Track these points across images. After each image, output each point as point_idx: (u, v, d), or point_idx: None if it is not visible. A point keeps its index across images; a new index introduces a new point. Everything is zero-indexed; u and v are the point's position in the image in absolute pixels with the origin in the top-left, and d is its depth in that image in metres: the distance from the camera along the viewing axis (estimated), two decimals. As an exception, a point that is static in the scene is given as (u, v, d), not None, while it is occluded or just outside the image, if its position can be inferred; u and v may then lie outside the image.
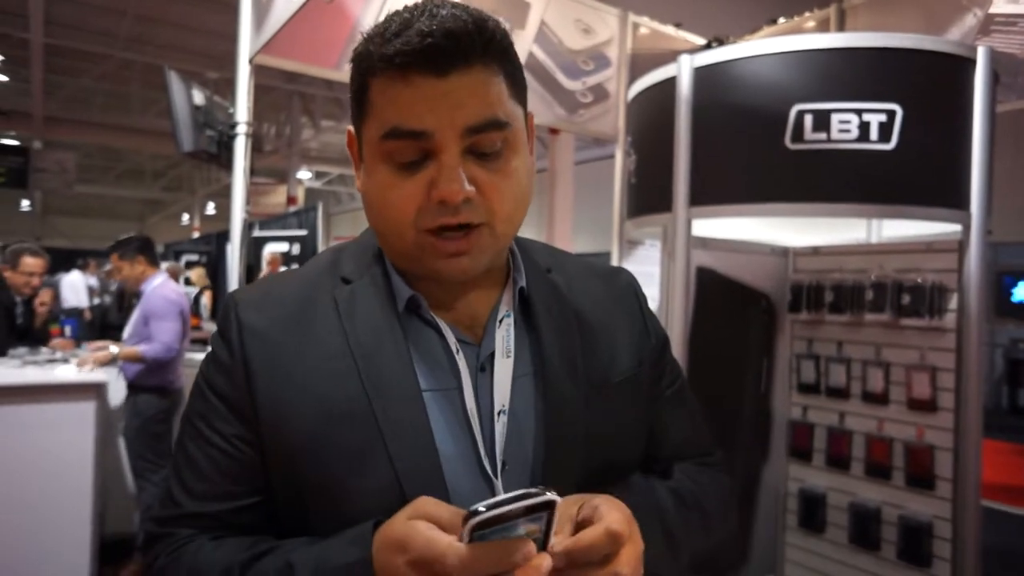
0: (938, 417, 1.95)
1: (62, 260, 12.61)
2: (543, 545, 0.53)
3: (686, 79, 1.99)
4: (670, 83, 2.03)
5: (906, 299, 1.99)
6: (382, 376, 0.65)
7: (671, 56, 2.07)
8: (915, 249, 2.03)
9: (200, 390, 0.70)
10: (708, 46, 3.82)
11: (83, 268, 11.51)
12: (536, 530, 0.52)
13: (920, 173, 1.81)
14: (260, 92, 2.85)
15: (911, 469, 2.00)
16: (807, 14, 4.06)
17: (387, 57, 0.61)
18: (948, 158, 1.85)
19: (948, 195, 1.85)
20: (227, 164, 2.79)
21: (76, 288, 10.90)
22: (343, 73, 2.98)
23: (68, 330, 4.40)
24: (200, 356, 3.79)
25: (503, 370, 0.69)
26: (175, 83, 2.68)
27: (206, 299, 7.41)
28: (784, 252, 2.36)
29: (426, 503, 0.56)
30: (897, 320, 2.01)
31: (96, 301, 10.80)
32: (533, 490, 0.50)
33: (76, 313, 10.01)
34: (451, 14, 0.61)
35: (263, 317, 0.69)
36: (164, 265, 7.99)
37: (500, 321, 0.71)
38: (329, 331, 0.68)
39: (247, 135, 2.71)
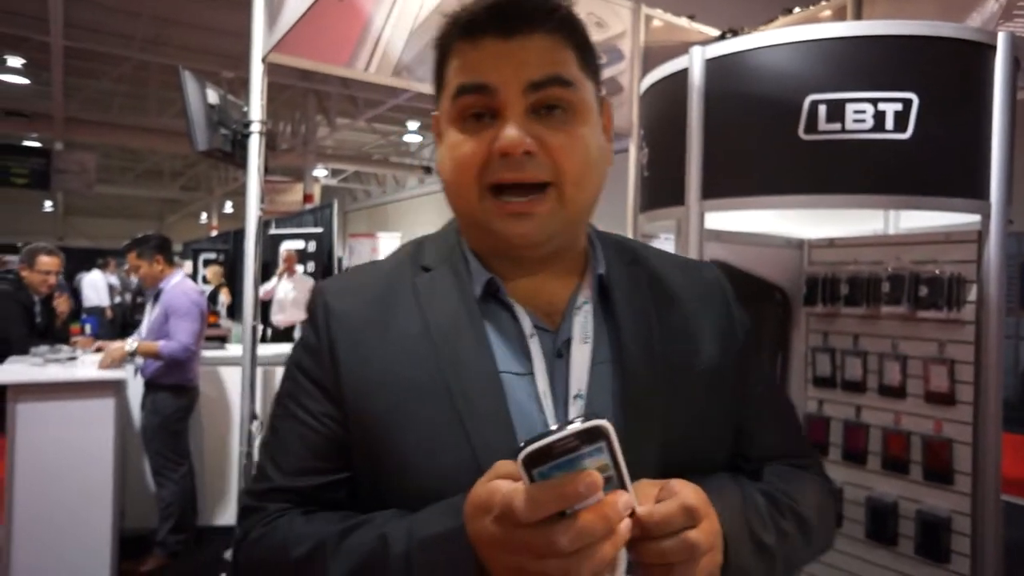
0: (956, 411, 1.92)
1: (83, 259, 12.83)
2: (619, 482, 0.51)
3: (698, 71, 1.97)
4: (682, 75, 2.02)
5: (924, 291, 1.96)
6: (459, 358, 0.68)
7: (684, 49, 2.05)
8: (933, 240, 2.00)
9: (290, 372, 0.74)
10: (722, 37, 3.78)
11: (103, 267, 11.68)
12: (604, 464, 0.50)
13: (937, 163, 1.78)
14: (275, 90, 2.87)
15: (929, 463, 1.97)
16: (823, 3, 4.01)
17: (460, 26, 0.67)
18: (966, 147, 1.81)
19: (966, 185, 1.82)
20: (241, 162, 2.81)
21: (97, 287, 11.08)
22: (355, 70, 2.99)
23: (88, 328, 4.47)
24: (215, 353, 3.85)
25: (580, 356, 0.70)
26: (190, 83, 2.71)
27: (224, 296, 7.48)
28: (799, 244, 2.33)
29: (503, 464, 0.56)
30: (914, 312, 1.98)
31: (117, 300, 10.96)
32: (579, 417, 0.49)
33: (98, 312, 10.16)
34: None
35: (347, 303, 0.73)
36: (186, 264, 8.10)
37: (579, 308, 0.72)
38: (408, 315, 0.71)
39: (261, 133, 2.73)
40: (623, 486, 0.52)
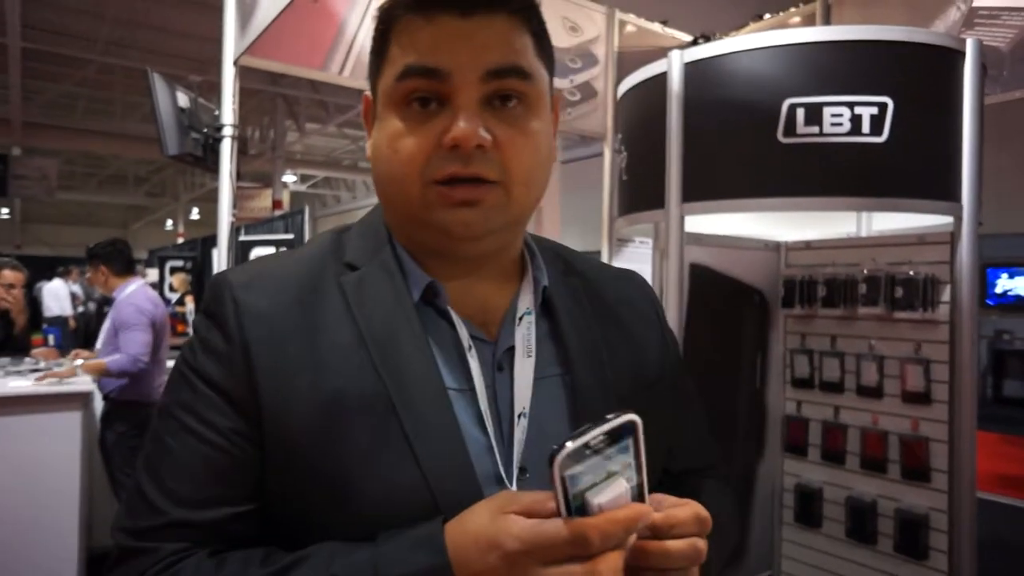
0: (932, 409, 1.95)
1: (43, 268, 12.46)
2: (638, 479, 0.51)
3: (677, 74, 1.98)
4: (661, 79, 2.02)
5: (899, 292, 1.99)
6: (402, 370, 0.60)
7: (658, 53, 2.06)
8: (907, 242, 2.03)
9: (184, 379, 0.62)
10: (694, 43, 3.82)
11: (64, 275, 11.36)
12: (627, 463, 0.50)
13: (912, 165, 1.81)
14: (244, 95, 2.82)
15: (906, 462, 2.00)
16: (792, 9, 4.08)
17: None
18: (939, 150, 1.85)
19: (940, 187, 1.85)
20: (213, 167, 2.76)
21: (58, 296, 10.76)
22: (330, 74, 2.95)
23: (52, 339, 4.34)
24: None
25: (524, 370, 0.65)
26: (159, 85, 2.65)
27: (191, 304, 7.32)
28: (776, 247, 2.36)
29: (507, 498, 0.52)
30: (891, 313, 2.01)
31: (80, 309, 10.67)
32: (610, 416, 0.49)
33: (59, 322, 9.88)
34: None
35: (263, 299, 0.62)
36: (149, 272, 7.91)
37: (520, 318, 0.67)
38: (338, 319, 0.62)
39: (233, 138, 2.68)
40: (642, 483, 0.51)
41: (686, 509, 0.54)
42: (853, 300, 2.11)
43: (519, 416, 0.63)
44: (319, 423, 0.58)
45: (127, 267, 3.48)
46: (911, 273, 1.97)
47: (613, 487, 0.49)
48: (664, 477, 0.73)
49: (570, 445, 0.47)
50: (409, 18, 0.60)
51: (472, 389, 0.63)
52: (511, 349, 0.66)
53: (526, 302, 0.68)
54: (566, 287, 0.72)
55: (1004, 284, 8.34)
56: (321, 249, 0.68)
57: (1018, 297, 8.24)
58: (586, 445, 0.47)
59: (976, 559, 1.90)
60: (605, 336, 0.70)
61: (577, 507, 0.48)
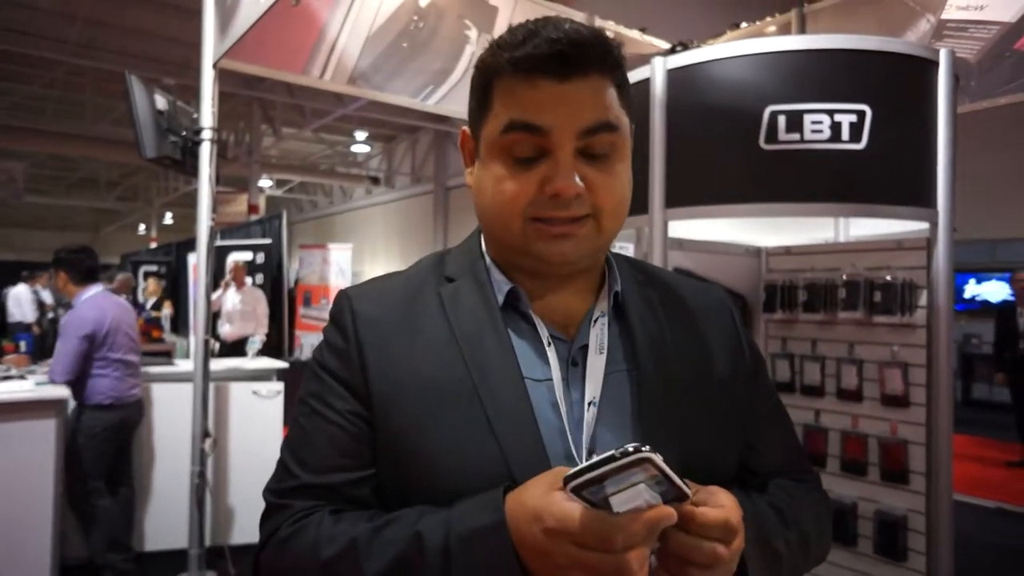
0: (910, 412, 1.99)
1: (9, 273, 12.14)
2: (662, 479, 0.53)
3: (660, 81, 2.00)
4: (643, 85, 2.04)
5: (878, 296, 2.02)
6: (486, 362, 0.70)
7: (637, 60, 2.07)
8: (885, 247, 2.07)
9: (314, 373, 0.76)
10: (673, 50, 3.86)
11: (29, 281, 11.06)
12: (652, 474, 0.52)
13: (890, 172, 1.85)
14: (219, 99, 2.79)
15: (886, 464, 2.03)
16: (768, 19, 4.15)
17: (515, 60, 0.67)
18: (915, 157, 1.89)
19: (916, 193, 1.89)
20: (192, 170, 2.72)
21: (21, 302, 10.44)
22: (310, 77, 2.93)
23: (23, 345, 4.24)
24: (161, 369, 3.63)
25: (595, 365, 0.73)
26: (136, 88, 2.60)
27: (168, 309, 7.20)
28: (757, 252, 2.39)
29: (558, 472, 0.57)
30: (870, 318, 2.05)
31: (51, 315, 10.40)
32: (618, 452, 0.51)
33: (22, 328, 9.62)
34: (574, 28, 0.67)
35: (374, 307, 0.75)
36: (120, 276, 7.77)
37: (595, 321, 0.75)
38: (434, 321, 0.74)
39: (213, 141, 2.64)
40: (677, 485, 0.54)
41: (717, 513, 0.58)
42: (833, 305, 2.14)
43: (589, 404, 0.71)
44: (416, 407, 0.69)
45: (87, 275, 3.38)
46: (889, 278, 2.01)
47: (633, 495, 0.52)
48: (748, 476, 0.80)
49: (576, 480, 0.52)
50: (514, 77, 0.68)
51: (550, 379, 0.72)
52: (585, 347, 0.74)
53: (602, 307, 0.77)
54: (641, 295, 0.80)
55: (972, 289, 8.54)
56: (425, 267, 0.81)
57: (985, 302, 8.44)
58: (595, 478, 0.52)
59: (952, 560, 1.93)
60: (676, 338, 0.78)
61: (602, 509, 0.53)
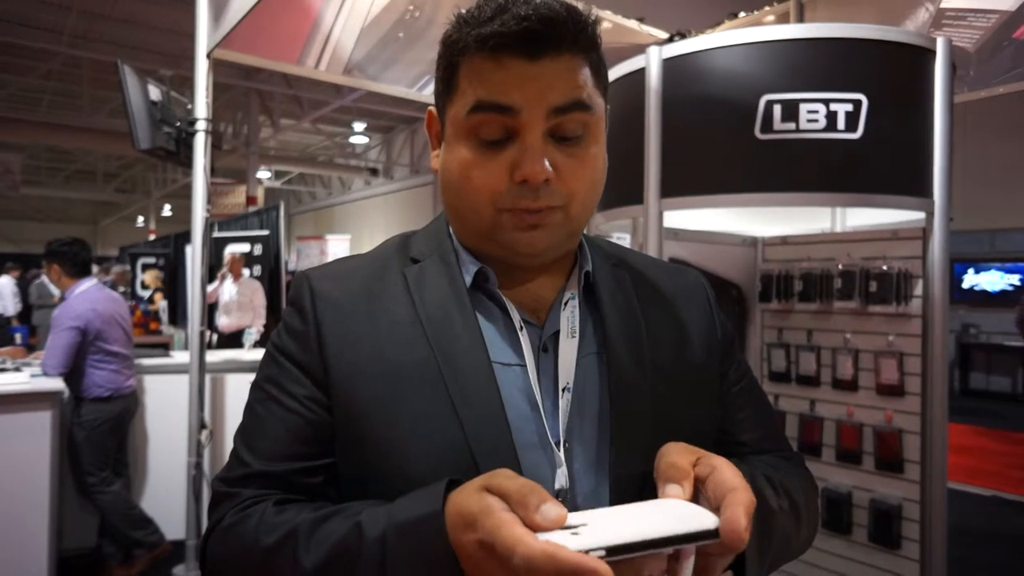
0: (906, 402, 1.99)
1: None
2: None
3: (655, 71, 1.99)
4: (639, 75, 2.03)
5: (873, 286, 2.02)
6: (452, 344, 0.68)
7: (634, 50, 2.06)
8: (881, 237, 2.06)
9: (271, 357, 0.73)
10: (670, 40, 3.84)
11: (10, 272, 11.00)
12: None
13: (886, 161, 1.84)
14: (216, 90, 2.77)
15: (881, 453, 2.04)
16: (766, 8, 4.12)
17: (482, 38, 0.63)
18: (912, 147, 1.88)
19: (912, 183, 1.89)
20: (186, 162, 2.71)
21: (3, 294, 10.35)
22: (305, 68, 2.91)
23: (19, 337, 4.23)
24: (158, 361, 3.64)
25: (568, 349, 0.70)
26: (130, 78, 2.58)
27: (161, 302, 7.19)
28: (753, 242, 2.38)
29: (500, 476, 0.53)
30: (865, 307, 2.04)
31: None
32: (672, 534, 0.46)
33: (3, 321, 9.54)
34: (546, 3, 0.63)
35: (335, 287, 0.72)
36: (116, 268, 7.76)
37: (565, 303, 0.73)
38: (398, 302, 0.71)
39: (207, 132, 2.63)
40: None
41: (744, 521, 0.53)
42: (829, 294, 2.14)
43: (563, 390, 0.69)
44: (377, 390, 0.67)
45: (81, 268, 3.37)
46: (885, 268, 2.01)
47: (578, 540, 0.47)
48: (733, 447, 0.77)
49: (610, 558, 0.46)
50: (480, 56, 0.64)
51: (523, 364, 0.69)
52: (557, 333, 0.71)
53: (572, 290, 0.74)
54: (613, 276, 0.77)
55: (971, 279, 8.54)
56: (390, 248, 0.78)
57: (984, 292, 8.45)
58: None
59: (946, 548, 1.94)
60: (648, 319, 0.75)
61: None
